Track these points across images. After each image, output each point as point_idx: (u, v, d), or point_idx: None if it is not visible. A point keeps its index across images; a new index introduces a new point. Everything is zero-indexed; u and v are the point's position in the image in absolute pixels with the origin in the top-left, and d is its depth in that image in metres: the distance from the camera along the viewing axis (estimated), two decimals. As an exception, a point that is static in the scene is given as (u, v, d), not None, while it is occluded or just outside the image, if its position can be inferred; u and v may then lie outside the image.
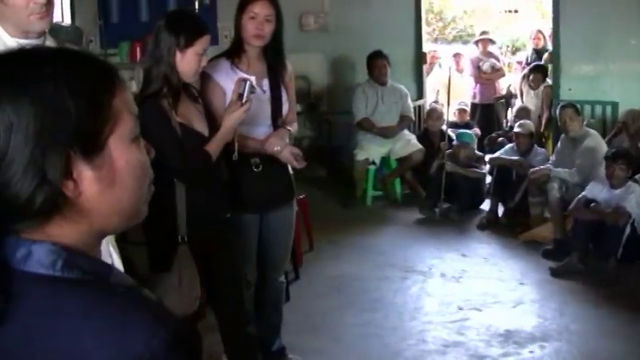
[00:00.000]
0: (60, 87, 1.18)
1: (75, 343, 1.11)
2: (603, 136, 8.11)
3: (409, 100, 9.60)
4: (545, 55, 11.42)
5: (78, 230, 1.23)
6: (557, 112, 7.98)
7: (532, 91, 10.67)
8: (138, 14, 10.40)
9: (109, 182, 1.24)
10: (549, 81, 10.39)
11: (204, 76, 4.17)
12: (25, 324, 1.14)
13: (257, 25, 4.18)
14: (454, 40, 21.04)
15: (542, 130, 10.21)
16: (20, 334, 1.14)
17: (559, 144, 8.03)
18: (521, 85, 11.13)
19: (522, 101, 10.89)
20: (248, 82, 3.89)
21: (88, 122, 1.19)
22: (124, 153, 1.25)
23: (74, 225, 1.22)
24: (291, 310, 5.22)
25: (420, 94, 10.72)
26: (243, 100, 3.86)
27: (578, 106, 7.95)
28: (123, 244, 3.63)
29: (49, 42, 3.00)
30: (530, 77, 10.76)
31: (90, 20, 10.38)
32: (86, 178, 1.20)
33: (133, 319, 1.14)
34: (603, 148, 7.49)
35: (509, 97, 12.15)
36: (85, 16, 10.31)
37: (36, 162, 1.15)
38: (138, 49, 10.02)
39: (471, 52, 12.66)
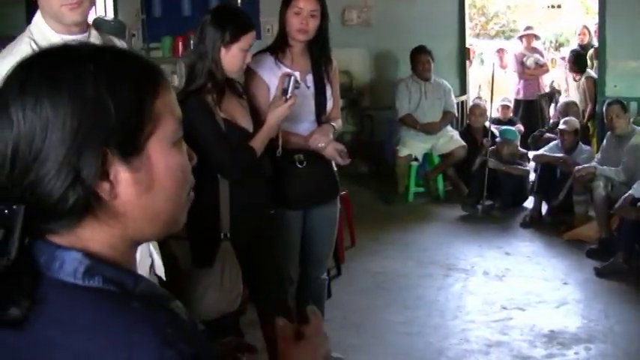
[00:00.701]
0: (100, 85, 1.15)
1: (81, 358, 1.08)
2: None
3: (452, 96, 9.54)
4: (591, 51, 11.27)
5: (110, 234, 1.20)
6: (604, 109, 7.87)
7: (576, 84, 10.50)
8: (180, 9, 10.46)
9: (147, 186, 1.20)
10: (590, 71, 10.24)
11: (248, 72, 4.14)
12: (41, 332, 1.11)
13: (301, 20, 4.15)
14: (496, 35, 20.88)
15: (585, 122, 10.06)
16: (34, 341, 1.11)
17: (605, 141, 7.93)
18: (566, 81, 10.99)
19: (569, 96, 10.74)
20: (292, 78, 3.86)
21: (128, 122, 1.16)
22: (164, 156, 1.22)
23: (107, 229, 1.19)
24: (333, 307, 5.20)
25: (463, 89, 10.64)
26: (288, 96, 3.83)
27: (625, 103, 7.83)
28: (166, 238, 3.62)
29: (94, 38, 2.99)
30: (571, 69, 10.60)
31: (132, 14, 10.46)
32: (123, 180, 1.17)
33: (142, 340, 1.09)
34: (651, 146, 7.37)
35: (552, 94, 12.01)
36: (127, 11, 10.39)
37: (70, 160, 1.12)
38: (180, 44, 10.06)
39: (515, 47, 12.54)
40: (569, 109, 9.68)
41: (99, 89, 1.14)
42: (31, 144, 1.12)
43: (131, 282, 1.19)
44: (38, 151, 1.12)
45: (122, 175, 1.17)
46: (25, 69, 1.18)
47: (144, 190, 1.19)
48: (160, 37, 9.85)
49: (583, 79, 10.27)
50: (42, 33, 2.90)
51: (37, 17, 2.95)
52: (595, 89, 9.87)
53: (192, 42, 9.96)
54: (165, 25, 10.27)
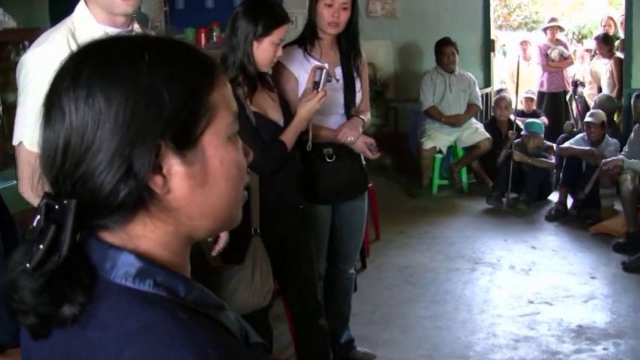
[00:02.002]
0: (155, 76, 1.12)
1: None
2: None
3: (477, 88, 9.48)
4: (617, 43, 11.17)
5: (163, 231, 1.17)
6: (632, 101, 7.80)
7: (604, 67, 10.38)
8: (203, 1, 10.48)
9: (201, 181, 1.16)
10: (618, 53, 10.14)
11: (277, 65, 4.10)
12: (87, 334, 1.09)
13: (333, 12, 4.12)
14: (519, 27, 20.76)
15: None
16: (80, 342, 1.09)
17: (632, 134, 7.85)
18: (591, 71, 10.89)
19: (594, 87, 10.64)
20: (325, 70, 3.83)
21: (183, 114, 1.13)
22: (219, 151, 1.18)
23: (160, 225, 1.17)
24: (360, 301, 5.19)
25: (487, 81, 10.57)
26: (319, 89, 3.80)
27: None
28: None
29: (137, 27, 2.98)
30: (599, 50, 10.52)
31: (156, 6, 10.48)
32: (177, 174, 1.14)
33: (181, 355, 1.05)
34: (679, 139, 7.31)
35: (575, 86, 11.94)
36: (151, 2, 10.40)
37: (123, 152, 1.09)
38: (203, 36, 10.08)
39: (539, 39, 12.45)
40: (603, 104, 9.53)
41: (153, 80, 1.12)
42: (83, 136, 1.10)
43: (182, 288, 1.15)
44: (90, 143, 1.10)
45: (176, 168, 1.14)
46: (77, 61, 1.16)
47: (198, 184, 1.16)
48: (182, 29, 9.87)
49: (612, 60, 10.14)
50: (84, 23, 2.88)
51: (81, 6, 2.92)
52: (621, 72, 9.77)
53: (214, 34, 10.04)
54: (188, 17, 10.31)
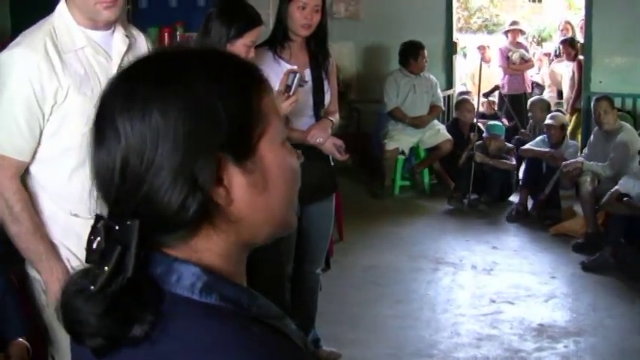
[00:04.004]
0: (210, 90, 1.13)
1: None
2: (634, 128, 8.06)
3: (439, 90, 9.58)
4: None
5: (226, 241, 1.18)
6: (592, 104, 7.93)
7: (566, 69, 10.53)
8: (167, 0, 10.41)
9: (262, 188, 1.18)
10: (580, 57, 10.32)
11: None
12: (163, 349, 1.09)
13: (306, 14, 4.14)
14: (479, 29, 20.94)
15: (572, 105, 10.17)
16: (151, 356, 1.09)
17: (592, 137, 7.99)
18: (550, 74, 11.04)
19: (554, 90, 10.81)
20: (298, 75, 3.86)
21: (239, 125, 1.15)
22: (276, 156, 1.20)
23: (223, 236, 1.17)
24: (326, 301, 5.21)
25: (449, 83, 10.67)
26: (290, 93, 3.84)
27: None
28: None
29: (119, 32, 2.99)
30: (561, 50, 10.66)
31: (119, 5, 10.37)
32: (238, 184, 1.15)
33: None
34: (637, 142, 7.43)
35: (533, 89, 12.09)
36: (114, 1, 10.29)
37: (186, 168, 1.10)
38: (166, 35, 10.02)
39: (500, 42, 12.58)
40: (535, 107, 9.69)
41: (208, 94, 1.13)
42: (142, 155, 1.10)
43: (246, 299, 1.16)
44: (150, 162, 1.10)
45: (237, 179, 1.15)
46: (127, 80, 1.18)
47: (259, 192, 1.17)
48: (146, 29, 9.78)
49: (575, 63, 10.27)
50: (64, 25, 2.88)
51: (62, 7, 2.91)
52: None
53: (177, 33, 10.01)
54: (151, 16, 10.22)
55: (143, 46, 3.13)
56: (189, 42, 6.89)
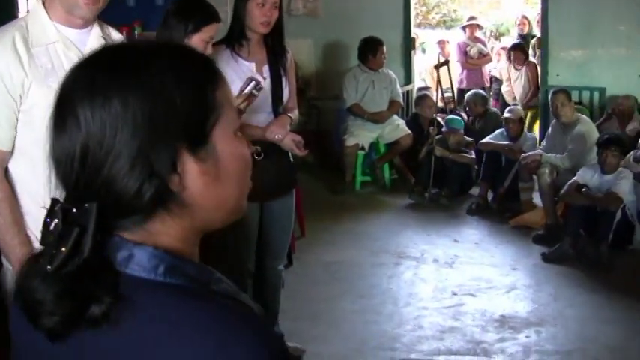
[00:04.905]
0: (167, 80, 1.18)
1: (181, 356, 1.10)
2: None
3: (398, 86, 9.60)
4: (533, 41, 11.46)
5: (180, 226, 1.22)
6: (549, 97, 8.02)
7: (518, 72, 10.67)
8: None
9: (214, 176, 1.22)
10: (532, 59, 10.45)
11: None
12: (135, 331, 1.12)
13: (265, 12, 4.14)
14: (438, 25, 21.05)
15: (526, 104, 10.31)
16: (130, 341, 1.12)
17: (550, 129, 8.09)
18: (508, 70, 11.15)
19: (511, 85, 10.90)
20: (253, 82, 3.94)
21: (194, 114, 1.19)
22: (228, 146, 1.24)
23: (178, 221, 1.21)
24: (288, 298, 5.21)
25: (408, 79, 10.72)
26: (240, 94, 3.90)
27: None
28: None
29: (95, 32, 3.00)
30: (512, 59, 10.77)
31: (76, 4, 10.29)
32: (191, 171, 1.19)
33: (238, 340, 1.11)
34: (594, 133, 7.53)
35: (491, 83, 12.20)
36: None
37: (143, 155, 1.14)
38: (124, 34, 9.93)
39: (457, 37, 12.66)
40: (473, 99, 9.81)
41: (166, 84, 1.17)
42: (102, 142, 1.14)
43: (207, 277, 1.22)
44: (109, 149, 1.14)
45: (190, 166, 1.18)
46: (90, 68, 1.21)
47: (211, 180, 1.22)
48: (103, 28, 9.74)
49: (526, 67, 10.42)
50: (40, 21, 2.91)
51: (37, 4, 2.94)
52: (537, 75, 10.11)
53: (136, 33, 9.96)
54: (109, 15, 10.10)
55: None
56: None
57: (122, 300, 1.12)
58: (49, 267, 1.11)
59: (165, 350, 1.10)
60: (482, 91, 10.31)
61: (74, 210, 1.13)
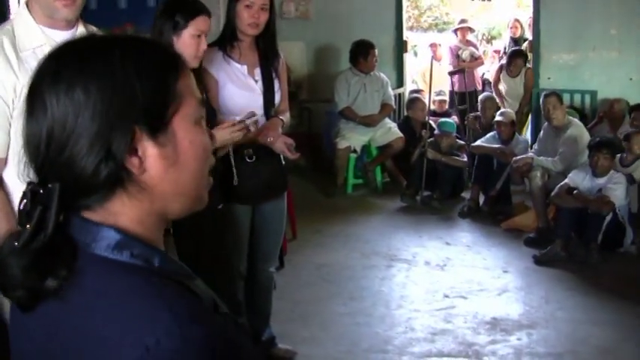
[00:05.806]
0: (128, 69, 1.25)
1: (111, 328, 1.16)
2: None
3: (390, 89, 9.60)
4: (525, 44, 11.45)
5: (139, 208, 1.29)
6: (541, 100, 8.03)
7: (512, 79, 10.60)
8: (116, 1, 10.34)
9: (173, 161, 1.29)
10: (529, 65, 10.43)
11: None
12: (79, 301, 1.21)
13: (253, 13, 4.14)
14: (430, 28, 21.08)
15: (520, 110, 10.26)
16: (74, 310, 1.21)
17: (542, 132, 8.09)
18: (498, 75, 11.10)
19: (499, 90, 10.84)
20: (253, 118, 4.06)
21: (154, 101, 1.27)
22: (188, 133, 1.31)
23: (136, 203, 1.29)
24: (280, 300, 5.21)
25: (400, 82, 10.73)
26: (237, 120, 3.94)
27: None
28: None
29: (81, 29, 3.01)
30: (511, 65, 10.67)
31: (67, 6, 10.27)
32: (151, 155, 1.27)
33: (156, 314, 1.16)
34: (586, 136, 7.54)
35: (484, 86, 12.19)
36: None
37: (102, 137, 1.22)
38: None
39: (449, 40, 12.67)
40: (490, 104, 9.74)
41: (126, 73, 1.25)
42: (65, 125, 1.23)
43: (157, 259, 1.28)
44: (71, 131, 1.22)
45: (150, 150, 1.26)
46: (55, 60, 1.29)
47: (170, 164, 1.29)
48: (95, 30, 9.72)
49: (523, 71, 10.32)
50: (26, 25, 2.91)
51: (22, 8, 2.96)
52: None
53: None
54: (100, 17, 10.12)
55: None
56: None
57: (76, 275, 1.22)
58: (16, 243, 1.21)
59: (100, 324, 1.17)
60: (493, 94, 10.27)
61: (41, 191, 1.23)
